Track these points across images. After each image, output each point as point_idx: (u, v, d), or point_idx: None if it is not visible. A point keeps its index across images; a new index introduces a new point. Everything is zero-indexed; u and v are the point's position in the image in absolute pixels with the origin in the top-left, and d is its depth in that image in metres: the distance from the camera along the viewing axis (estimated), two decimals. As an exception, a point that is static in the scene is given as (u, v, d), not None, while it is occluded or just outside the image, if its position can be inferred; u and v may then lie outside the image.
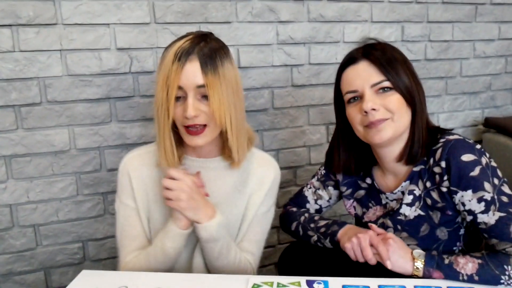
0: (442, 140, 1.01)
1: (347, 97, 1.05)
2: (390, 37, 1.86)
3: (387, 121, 1.00)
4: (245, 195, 1.14)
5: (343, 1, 1.75)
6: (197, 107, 0.99)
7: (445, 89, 2.03)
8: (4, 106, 1.38)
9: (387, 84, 1.00)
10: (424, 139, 1.03)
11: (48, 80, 1.41)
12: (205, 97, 1.00)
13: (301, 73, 1.75)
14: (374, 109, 0.99)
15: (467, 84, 2.06)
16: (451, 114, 2.07)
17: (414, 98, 1.02)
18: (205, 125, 1.02)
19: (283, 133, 1.79)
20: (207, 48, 1.00)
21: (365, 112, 0.99)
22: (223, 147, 1.10)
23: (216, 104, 0.99)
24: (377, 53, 1.02)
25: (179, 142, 1.07)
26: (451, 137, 1.00)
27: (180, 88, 0.98)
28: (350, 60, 1.05)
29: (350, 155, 1.14)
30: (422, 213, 1.04)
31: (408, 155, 1.04)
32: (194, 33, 1.05)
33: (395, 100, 1.00)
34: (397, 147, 1.05)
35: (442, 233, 1.03)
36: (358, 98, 1.02)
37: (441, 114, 2.05)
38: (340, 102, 1.10)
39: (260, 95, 1.70)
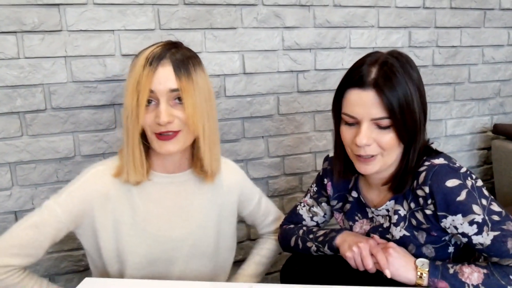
0: (426, 163, 0.98)
1: (344, 117, 0.99)
2: (397, 43, 1.85)
3: (376, 157, 0.98)
4: (218, 207, 1.13)
5: (350, 7, 1.74)
6: (170, 113, 0.96)
7: (453, 95, 2.00)
8: (9, 113, 1.38)
9: (386, 122, 0.94)
10: (415, 167, 1.00)
11: (53, 86, 1.41)
12: (178, 102, 0.97)
13: (306, 79, 1.74)
14: (367, 144, 0.96)
15: (475, 90, 2.04)
16: (459, 120, 2.04)
17: (415, 134, 0.97)
18: (177, 131, 0.98)
19: (289, 139, 1.77)
20: (179, 54, 0.98)
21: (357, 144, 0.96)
22: (193, 159, 1.07)
23: (190, 109, 0.97)
24: (388, 85, 0.92)
25: (146, 156, 1.03)
26: (436, 161, 0.97)
27: (151, 92, 0.95)
28: (358, 81, 0.95)
29: (346, 158, 1.10)
30: (407, 234, 1.02)
31: (395, 184, 1.02)
32: (164, 41, 1.03)
33: (389, 139, 0.95)
34: (385, 174, 1.04)
35: (428, 250, 1.00)
36: (355, 124, 0.98)
37: (449, 120, 2.02)
38: (338, 110, 1.02)
39: (265, 101, 1.69)
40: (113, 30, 1.44)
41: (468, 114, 2.05)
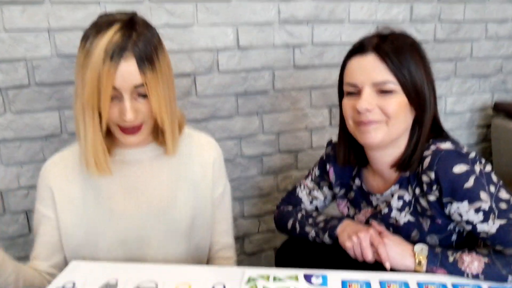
0: (432, 147, 0.93)
1: (346, 88, 0.97)
2: (398, 17, 1.77)
3: (379, 124, 0.93)
4: (190, 182, 1.07)
5: (349, -22, 1.66)
6: (135, 109, 0.91)
7: (454, 71, 1.94)
8: (-9, 88, 1.33)
9: (391, 86, 0.91)
10: (425, 145, 0.95)
11: (36, 61, 1.34)
12: (141, 94, 0.92)
13: (303, 54, 1.68)
14: (368, 110, 0.92)
15: (477, 67, 1.98)
16: (459, 97, 1.99)
17: (425, 100, 0.94)
18: (141, 124, 0.95)
19: (284, 116, 1.72)
20: (142, 42, 0.90)
21: (358, 111, 0.93)
22: (155, 132, 1.02)
23: (156, 103, 0.92)
24: (390, 47, 0.92)
25: (106, 133, 0.97)
26: (442, 145, 0.93)
27: (114, 89, 0.89)
28: (358, 48, 0.95)
29: (350, 145, 1.07)
30: (411, 219, 0.99)
31: (403, 164, 0.97)
32: (116, 17, 0.92)
33: (396, 103, 0.92)
34: (391, 152, 0.99)
35: (432, 240, 0.98)
36: (356, 93, 0.95)
37: (449, 97, 1.97)
38: (341, 86, 1.03)
39: (260, 76, 1.64)
40: (99, 2, 1.37)
41: (468, 91, 2.00)
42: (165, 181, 1.05)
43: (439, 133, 0.98)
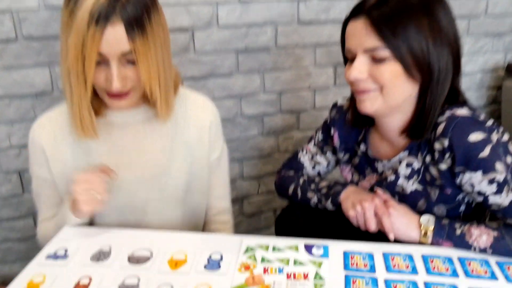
0: (447, 113, 0.87)
1: (346, 53, 0.91)
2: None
3: (372, 93, 0.87)
4: (185, 145, 1.03)
5: None
6: (123, 76, 0.85)
7: (467, 29, 1.84)
8: (-25, 42, 1.25)
9: (383, 53, 0.83)
10: (434, 114, 0.89)
11: (23, 13, 1.26)
12: (130, 61, 0.85)
13: (308, 8, 1.58)
14: (358, 79, 0.86)
15: (491, 25, 1.87)
16: (470, 57, 1.90)
17: (430, 69, 0.85)
18: (130, 90, 0.89)
19: (287, 75, 1.65)
20: (131, 4, 0.81)
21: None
22: (145, 93, 0.95)
23: (145, 71, 0.86)
24: (387, 10, 0.83)
25: (94, 93, 0.92)
26: (458, 111, 0.87)
27: (100, 55, 0.82)
28: (354, 11, 0.88)
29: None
30: (419, 188, 0.95)
31: (414, 130, 0.91)
32: None
33: (389, 72, 0.84)
34: (399, 118, 0.93)
35: (439, 210, 0.94)
36: (352, 60, 0.88)
37: (459, 56, 1.89)
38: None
39: (262, 32, 1.55)
40: None
41: (480, 50, 1.91)
42: (158, 145, 1.01)
43: (455, 98, 0.92)
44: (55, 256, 0.86)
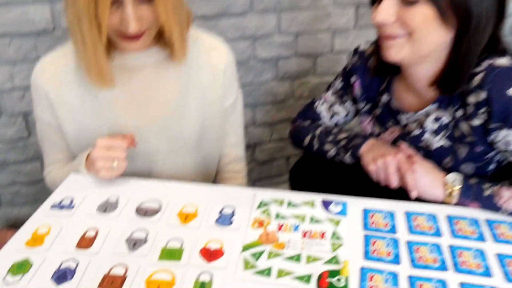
0: (485, 63, 0.79)
1: None
2: None
3: (398, 40, 0.79)
4: (199, 90, 0.97)
5: None
6: (138, 16, 0.79)
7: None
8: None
9: None
10: (470, 65, 0.80)
11: None
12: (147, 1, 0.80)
13: None
14: (384, 22, 0.78)
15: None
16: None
17: (468, 15, 0.75)
18: (145, 31, 0.84)
19: (304, 15, 1.55)
20: None
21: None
22: (157, 33, 0.89)
23: (163, 9, 0.80)
24: None
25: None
26: (498, 61, 0.78)
27: None
28: None
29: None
30: (446, 144, 0.88)
31: (446, 81, 0.83)
32: None
33: (420, 15, 0.75)
34: (429, 67, 0.84)
35: (467, 169, 0.87)
36: (379, 1, 0.79)
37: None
38: None
39: (279, -33, 1.42)
40: None
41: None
42: (170, 89, 0.96)
43: (495, 46, 0.82)
44: (60, 206, 0.82)
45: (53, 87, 0.92)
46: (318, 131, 1.04)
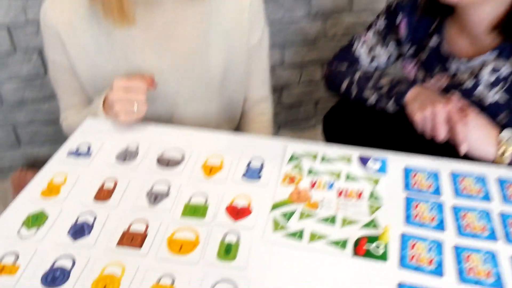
0: None
1: None
2: None
3: None
4: (223, 28, 0.90)
5: None
6: None
7: None
8: None
9: None
10: None
11: None
12: None
13: None
14: None
15: None
16: None
17: None
18: None
19: None
20: None
21: None
22: None
23: None
24: None
25: None
26: None
27: None
28: None
29: None
30: (503, 99, 0.78)
31: (509, 27, 0.72)
32: None
33: None
34: (488, 11, 0.74)
35: None
36: None
37: None
38: None
39: None
40: None
41: None
42: (192, 26, 0.88)
43: None
44: (77, 153, 0.77)
45: (63, 25, 0.85)
46: (356, 76, 0.95)
